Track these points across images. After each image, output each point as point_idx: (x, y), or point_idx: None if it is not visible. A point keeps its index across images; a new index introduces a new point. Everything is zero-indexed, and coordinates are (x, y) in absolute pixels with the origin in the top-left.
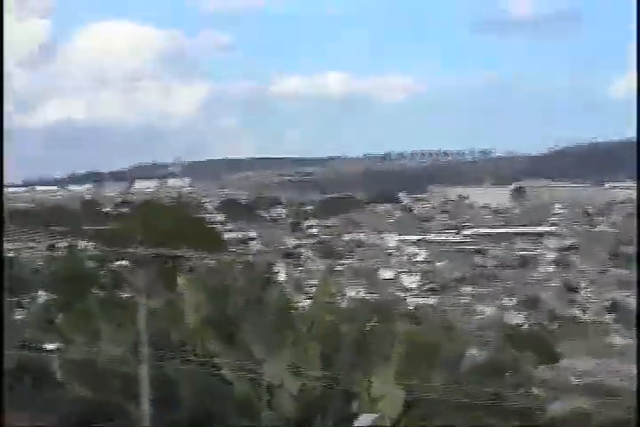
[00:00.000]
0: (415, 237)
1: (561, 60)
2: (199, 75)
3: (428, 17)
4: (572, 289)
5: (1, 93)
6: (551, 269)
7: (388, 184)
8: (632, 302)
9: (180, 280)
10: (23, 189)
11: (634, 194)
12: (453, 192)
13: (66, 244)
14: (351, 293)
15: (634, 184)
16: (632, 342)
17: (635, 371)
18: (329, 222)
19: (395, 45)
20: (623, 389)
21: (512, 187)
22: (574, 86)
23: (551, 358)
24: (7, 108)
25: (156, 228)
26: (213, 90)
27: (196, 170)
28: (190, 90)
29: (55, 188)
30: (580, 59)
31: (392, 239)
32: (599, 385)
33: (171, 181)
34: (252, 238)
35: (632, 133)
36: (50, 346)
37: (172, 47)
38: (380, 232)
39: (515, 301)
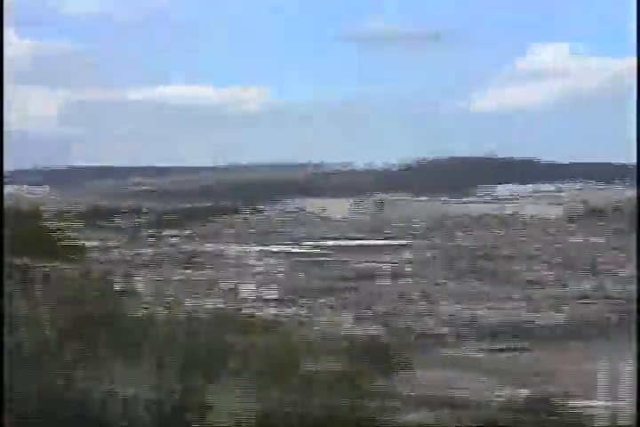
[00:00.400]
0: (271, 248)
1: (426, 75)
2: (56, 82)
3: (290, 28)
4: (427, 302)
5: (1, 95)
6: (408, 281)
7: (246, 195)
8: (486, 315)
9: (34, 290)
10: None
11: (490, 209)
12: (312, 204)
13: None
14: (204, 304)
15: (492, 199)
16: (482, 355)
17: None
18: (187, 232)
19: (256, 57)
20: (472, 401)
21: (372, 199)
22: (437, 101)
23: (403, 369)
24: None
25: (10, 236)
26: (72, 97)
27: (55, 177)
28: (47, 97)
29: None
30: (445, 74)
31: (248, 250)
32: (449, 397)
33: (28, 188)
34: (110, 247)
35: (491, 147)
36: None
37: (28, 53)
38: (237, 243)
39: (370, 313)
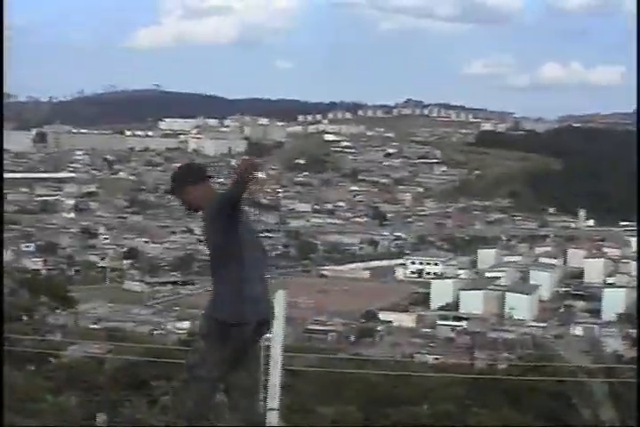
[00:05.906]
0: None
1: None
2: None
3: None
4: (90, 235)
5: (1, 92)
6: (71, 215)
7: None
8: (148, 248)
9: None
10: None
11: (155, 142)
12: None
13: None
14: None
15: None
16: (147, 287)
17: None
18: None
19: None
20: (137, 332)
21: (34, 132)
22: (99, 38)
23: (67, 303)
24: None
25: None
26: None
27: None
28: None
29: None
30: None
31: None
32: (115, 329)
33: None
34: None
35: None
36: None
37: None
38: None
39: (33, 246)
